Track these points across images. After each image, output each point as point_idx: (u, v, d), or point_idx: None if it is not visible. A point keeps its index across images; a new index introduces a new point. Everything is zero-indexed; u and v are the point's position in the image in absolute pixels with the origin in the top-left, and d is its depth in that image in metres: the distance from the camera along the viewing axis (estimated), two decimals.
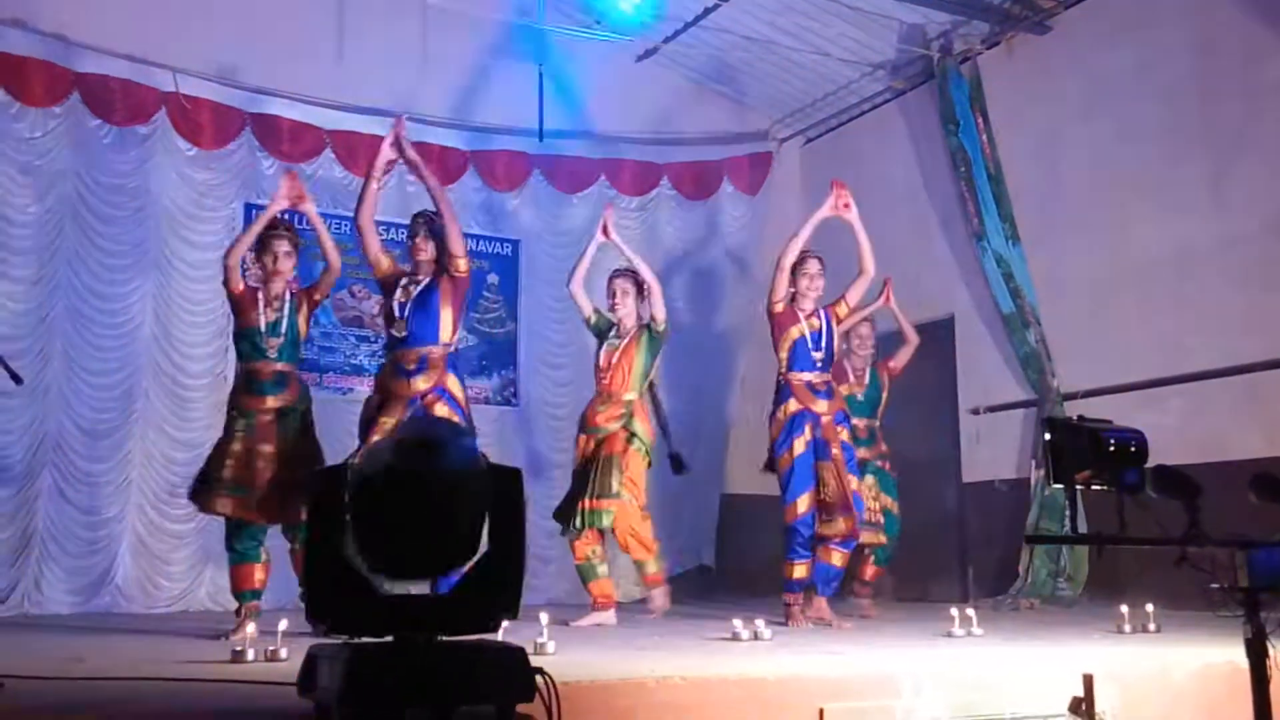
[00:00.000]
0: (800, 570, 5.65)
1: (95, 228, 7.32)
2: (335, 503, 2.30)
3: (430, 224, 5.24)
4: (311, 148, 8.04)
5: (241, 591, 5.04)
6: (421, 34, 8.39)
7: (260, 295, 5.19)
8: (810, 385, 5.74)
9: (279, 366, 5.16)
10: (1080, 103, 7.36)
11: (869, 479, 6.45)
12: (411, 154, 5.29)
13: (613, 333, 6.06)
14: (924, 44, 8.13)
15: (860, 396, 6.64)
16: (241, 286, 5.17)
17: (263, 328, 5.13)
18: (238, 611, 5.05)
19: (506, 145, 8.60)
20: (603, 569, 6.00)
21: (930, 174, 8.36)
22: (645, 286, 6.11)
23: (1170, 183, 6.73)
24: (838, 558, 5.72)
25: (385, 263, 5.23)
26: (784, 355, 5.80)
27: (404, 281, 5.22)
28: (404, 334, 5.14)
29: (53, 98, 7.22)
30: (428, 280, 5.21)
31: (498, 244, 8.72)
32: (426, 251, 5.22)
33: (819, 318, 5.81)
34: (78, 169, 7.29)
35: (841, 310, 5.92)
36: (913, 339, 6.95)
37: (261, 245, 5.22)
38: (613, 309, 6.08)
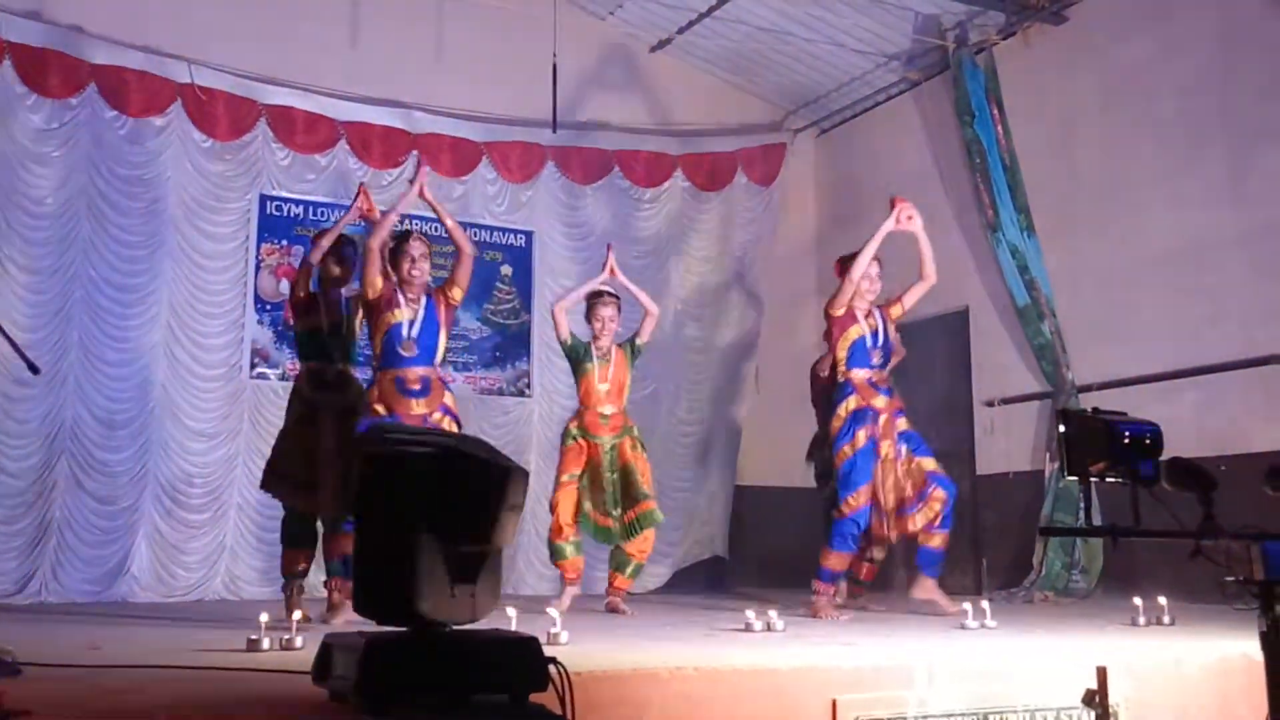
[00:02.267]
0: (837, 562, 5.70)
1: (111, 219, 7.35)
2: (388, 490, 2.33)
3: (422, 245, 5.30)
4: (326, 139, 8.06)
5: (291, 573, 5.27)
6: (435, 25, 8.39)
7: (322, 300, 5.40)
8: (871, 382, 5.82)
9: (340, 368, 5.44)
10: (1097, 93, 7.32)
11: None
12: (434, 199, 5.48)
13: (593, 353, 6.18)
14: (939, 34, 8.09)
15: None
16: (305, 293, 5.39)
17: (327, 330, 5.39)
18: (285, 588, 5.25)
19: (520, 137, 8.61)
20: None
21: (945, 165, 8.33)
22: (644, 312, 6.31)
23: (1188, 174, 6.69)
24: (938, 539, 5.72)
25: (380, 284, 5.21)
26: (842, 354, 5.87)
27: (403, 300, 5.22)
28: (414, 354, 5.20)
29: (69, 89, 7.26)
30: (426, 301, 5.28)
31: (511, 235, 8.72)
32: (425, 274, 5.28)
33: (875, 317, 5.91)
34: (94, 160, 7.32)
35: (896, 311, 5.99)
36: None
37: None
38: (599, 333, 6.19)
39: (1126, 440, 2.53)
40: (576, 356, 6.20)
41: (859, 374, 5.82)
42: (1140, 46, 7.02)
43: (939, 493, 5.68)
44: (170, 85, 7.56)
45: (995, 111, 7.65)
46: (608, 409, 6.12)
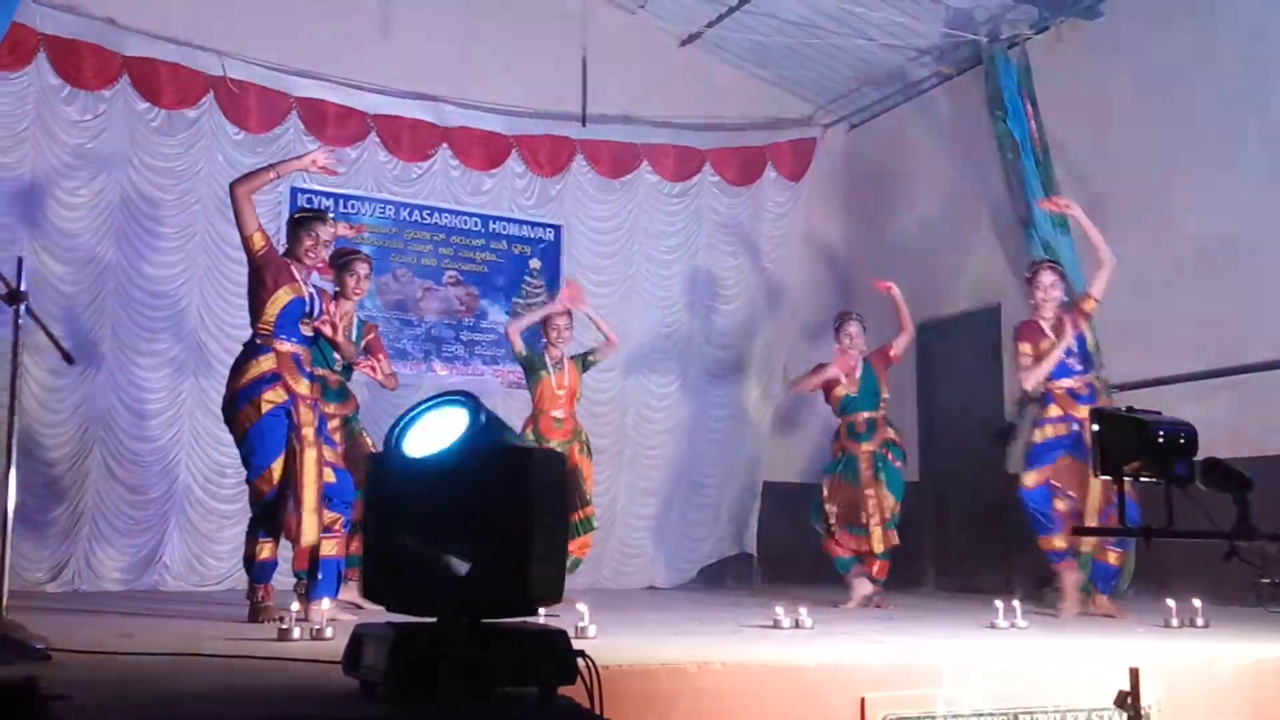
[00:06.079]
0: (1046, 543, 5.77)
1: (144, 210, 7.41)
2: (388, 484, 2.33)
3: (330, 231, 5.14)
4: (357, 132, 8.09)
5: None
6: (466, 19, 8.40)
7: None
8: (1072, 392, 5.79)
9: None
10: (1131, 89, 7.24)
11: (881, 479, 6.43)
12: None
13: (547, 361, 6.68)
14: (972, 28, 8.02)
15: (855, 393, 6.56)
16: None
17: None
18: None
19: (549, 130, 8.61)
20: None
21: (977, 160, 8.24)
22: (606, 339, 7.00)
23: (1222, 171, 6.60)
24: (1113, 556, 5.75)
25: (261, 240, 4.88)
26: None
27: (298, 275, 4.97)
28: (310, 334, 5.08)
29: (103, 81, 7.32)
30: (315, 293, 5.13)
31: (540, 229, 8.73)
32: (316, 263, 5.12)
33: (1064, 324, 5.84)
34: (127, 152, 7.38)
35: (1089, 305, 5.93)
36: (909, 329, 6.84)
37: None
38: (556, 342, 6.70)
39: (1161, 440, 2.51)
40: (532, 366, 6.72)
41: (1059, 385, 5.79)
42: (1174, 41, 6.93)
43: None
44: (202, 77, 7.61)
45: (1028, 106, 7.57)
46: (560, 413, 6.63)
